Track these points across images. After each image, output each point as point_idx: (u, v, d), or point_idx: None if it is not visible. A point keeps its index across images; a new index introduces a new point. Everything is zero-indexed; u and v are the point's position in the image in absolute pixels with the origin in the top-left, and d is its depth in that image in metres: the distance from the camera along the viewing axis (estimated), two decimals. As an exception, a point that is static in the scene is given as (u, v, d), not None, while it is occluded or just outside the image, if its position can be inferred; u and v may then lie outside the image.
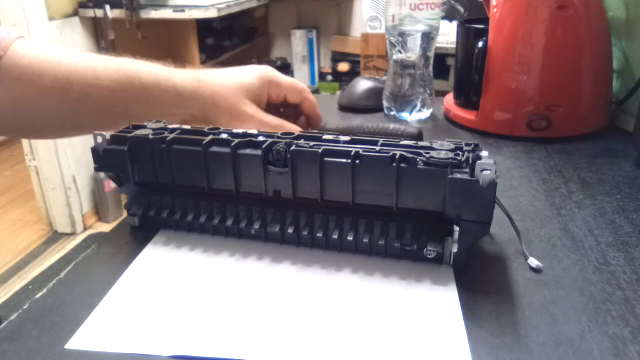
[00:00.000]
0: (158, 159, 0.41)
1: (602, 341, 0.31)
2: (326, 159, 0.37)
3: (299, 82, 0.57)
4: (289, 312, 0.34)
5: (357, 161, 0.36)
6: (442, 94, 0.78)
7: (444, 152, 0.36)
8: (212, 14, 1.98)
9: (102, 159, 0.42)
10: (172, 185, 0.42)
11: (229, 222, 0.41)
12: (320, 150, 0.36)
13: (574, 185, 0.52)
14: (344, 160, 0.36)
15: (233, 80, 0.53)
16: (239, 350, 0.31)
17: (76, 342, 0.32)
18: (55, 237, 2.22)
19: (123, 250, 0.42)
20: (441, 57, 1.69)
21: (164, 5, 2.02)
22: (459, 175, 0.34)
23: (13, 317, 0.34)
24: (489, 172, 0.33)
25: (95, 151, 0.42)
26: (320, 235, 0.39)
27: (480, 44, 0.64)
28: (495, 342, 0.31)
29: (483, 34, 0.64)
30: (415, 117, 0.72)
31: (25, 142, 2.12)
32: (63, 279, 0.38)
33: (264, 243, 0.41)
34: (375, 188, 0.36)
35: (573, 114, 0.64)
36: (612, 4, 0.69)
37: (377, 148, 0.37)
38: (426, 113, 0.72)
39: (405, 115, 0.72)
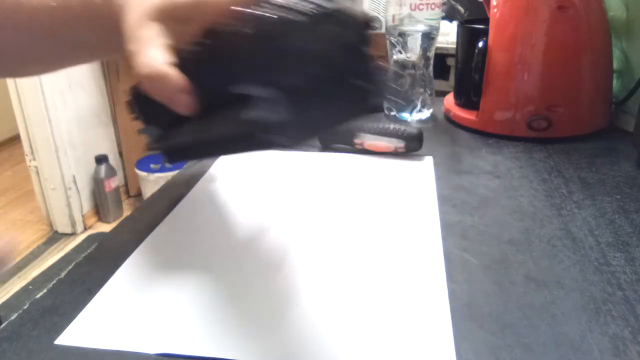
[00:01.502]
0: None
1: (602, 341, 0.31)
2: None
3: None
4: (276, 311, 0.34)
5: None
6: (442, 94, 0.78)
7: None
8: (212, 14, 1.97)
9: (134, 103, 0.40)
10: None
11: None
12: None
13: (574, 185, 0.52)
14: None
15: None
16: (226, 349, 0.31)
17: (66, 338, 0.32)
18: (55, 237, 2.22)
19: (123, 250, 0.42)
20: (441, 57, 1.68)
21: (164, 5, 2.01)
22: None
23: (13, 317, 0.34)
24: None
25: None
26: None
27: (480, 44, 0.64)
28: (495, 342, 0.31)
29: (483, 34, 0.64)
30: (415, 117, 0.72)
31: (25, 142, 2.12)
32: (63, 279, 0.38)
33: (254, 242, 0.42)
34: None
35: (573, 114, 0.64)
36: (612, 4, 0.69)
37: None
38: (426, 113, 0.72)
39: (405, 115, 0.72)
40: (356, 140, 0.59)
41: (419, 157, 0.59)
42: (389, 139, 0.58)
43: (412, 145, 0.57)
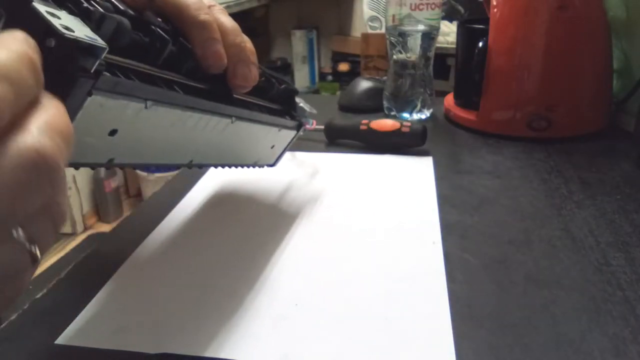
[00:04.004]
0: None
1: (602, 341, 0.31)
2: None
3: None
4: (276, 311, 0.34)
5: None
6: (442, 94, 0.78)
7: None
8: (212, 14, 1.97)
9: None
10: None
11: None
12: None
13: (574, 185, 0.52)
14: None
15: None
16: (226, 349, 0.31)
17: (66, 338, 0.32)
18: (55, 237, 2.22)
19: (123, 250, 0.42)
20: (441, 57, 1.68)
21: (164, 5, 2.01)
22: None
23: (13, 317, 0.34)
24: None
25: None
26: None
27: (480, 44, 0.64)
28: (495, 342, 0.31)
29: (483, 34, 0.64)
30: (415, 117, 0.72)
31: (25, 142, 2.12)
32: (63, 279, 0.38)
33: (254, 242, 0.42)
34: None
35: (573, 114, 0.64)
36: (612, 4, 0.69)
37: None
38: (426, 113, 0.72)
39: (405, 115, 0.72)
40: (362, 121, 0.61)
41: (419, 156, 0.59)
42: (395, 118, 0.59)
43: (415, 139, 0.59)
